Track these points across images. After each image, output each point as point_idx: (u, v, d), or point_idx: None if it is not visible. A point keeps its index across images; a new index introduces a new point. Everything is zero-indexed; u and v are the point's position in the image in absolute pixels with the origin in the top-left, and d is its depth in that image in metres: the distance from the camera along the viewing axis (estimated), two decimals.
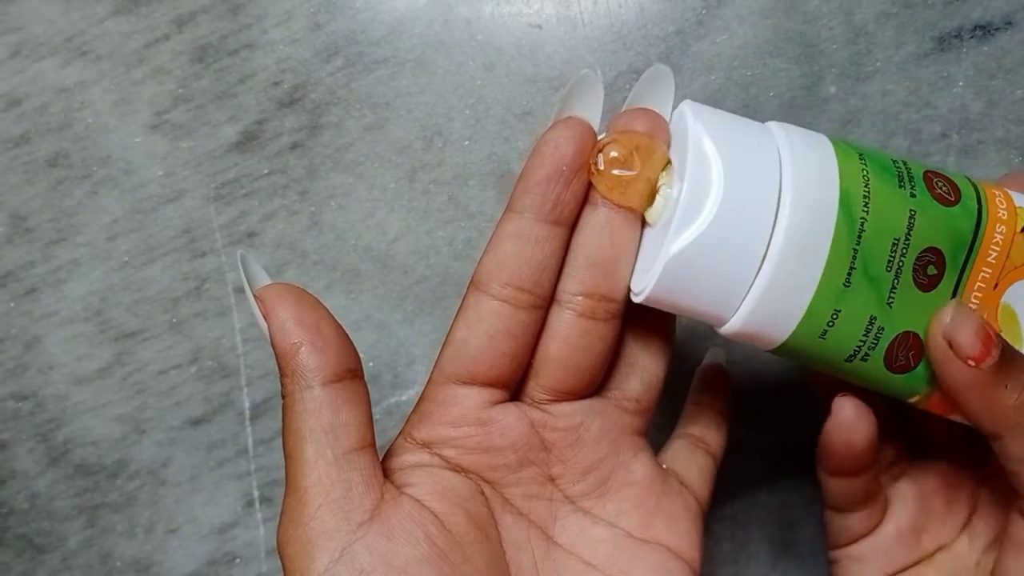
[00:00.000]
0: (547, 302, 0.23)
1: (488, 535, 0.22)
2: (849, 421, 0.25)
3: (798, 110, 0.38)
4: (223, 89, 0.38)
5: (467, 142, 0.38)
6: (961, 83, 0.37)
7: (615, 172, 0.22)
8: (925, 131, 0.37)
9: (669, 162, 0.22)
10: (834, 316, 0.22)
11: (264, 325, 0.22)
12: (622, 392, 0.24)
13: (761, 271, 0.21)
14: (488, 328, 0.22)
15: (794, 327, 0.22)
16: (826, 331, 0.22)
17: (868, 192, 0.22)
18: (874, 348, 0.22)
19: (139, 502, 0.38)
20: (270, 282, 0.22)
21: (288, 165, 0.38)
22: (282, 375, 0.22)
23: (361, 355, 0.23)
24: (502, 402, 0.24)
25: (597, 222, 0.22)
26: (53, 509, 0.39)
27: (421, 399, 0.24)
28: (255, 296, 0.22)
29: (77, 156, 0.38)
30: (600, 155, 0.22)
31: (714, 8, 0.38)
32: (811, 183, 0.21)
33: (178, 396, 0.38)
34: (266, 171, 0.38)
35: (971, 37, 0.37)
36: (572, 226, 0.22)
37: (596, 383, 0.24)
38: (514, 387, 0.24)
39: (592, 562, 0.24)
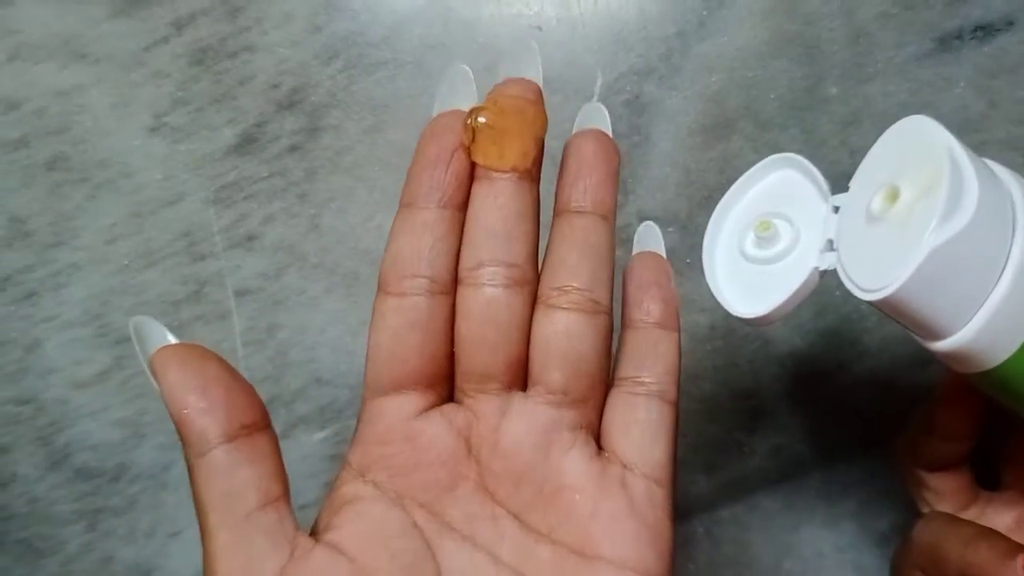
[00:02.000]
0: (449, 287, 0.22)
1: (418, 571, 0.21)
2: None
3: (799, 111, 0.38)
4: (222, 92, 0.38)
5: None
6: (962, 84, 0.37)
7: (488, 139, 0.21)
8: None
9: (545, 124, 0.22)
10: None
11: (158, 391, 0.21)
12: (545, 386, 0.22)
13: (999, 282, 0.21)
14: (391, 325, 0.22)
15: (1019, 345, 0.21)
16: None
17: None
18: None
19: (140, 506, 0.38)
20: (167, 343, 0.21)
21: (287, 168, 0.38)
22: (182, 443, 0.21)
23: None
24: (428, 408, 0.23)
25: (484, 192, 0.22)
26: (53, 513, 0.38)
27: (358, 419, 0.23)
28: (148, 362, 0.21)
29: (76, 159, 0.38)
30: (470, 126, 0.21)
31: (715, 9, 0.37)
32: None
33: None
34: (265, 174, 0.38)
35: (972, 38, 0.37)
36: (463, 206, 0.22)
37: (515, 364, 0.22)
38: (439, 384, 0.23)
39: None
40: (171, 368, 0.21)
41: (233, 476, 0.20)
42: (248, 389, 0.21)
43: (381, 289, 0.22)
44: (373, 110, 0.38)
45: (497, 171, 0.22)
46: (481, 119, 0.21)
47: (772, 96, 0.38)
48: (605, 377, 0.23)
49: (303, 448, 0.38)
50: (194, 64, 0.38)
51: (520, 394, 0.23)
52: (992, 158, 0.37)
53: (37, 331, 0.38)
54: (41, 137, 0.38)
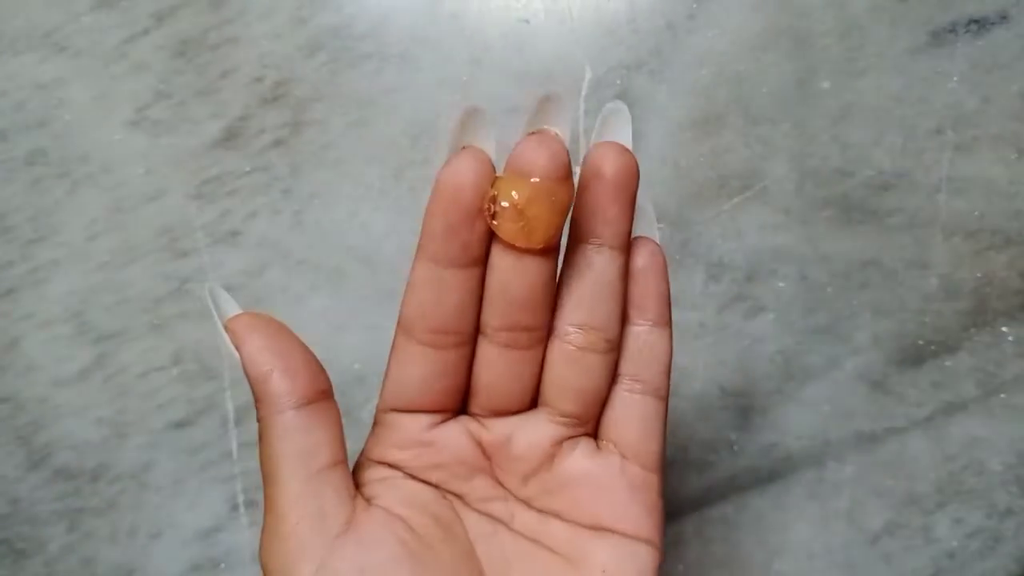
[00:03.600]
0: (472, 337, 0.23)
1: (455, 532, 0.24)
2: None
3: (790, 105, 0.37)
4: (204, 85, 0.37)
5: None
6: (956, 78, 0.37)
7: (514, 219, 0.21)
8: (919, 127, 0.37)
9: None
10: None
11: (236, 355, 0.23)
12: (557, 411, 0.24)
13: None
14: (420, 371, 0.23)
15: None
16: None
17: None
18: None
19: (121, 506, 0.38)
20: (239, 312, 0.23)
21: (271, 163, 0.37)
22: (256, 401, 0.23)
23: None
24: (443, 421, 0.24)
25: (507, 264, 0.22)
26: (34, 513, 0.38)
27: (374, 421, 0.25)
28: (225, 327, 0.23)
29: (55, 154, 0.37)
30: (496, 204, 0.21)
31: (705, 2, 0.37)
32: None
33: (160, 399, 0.37)
34: (248, 169, 0.37)
35: (966, 31, 0.37)
36: (485, 259, 0.22)
37: (528, 400, 0.25)
38: (456, 407, 0.25)
39: (557, 550, 0.24)
40: (257, 332, 0.23)
41: (309, 434, 0.22)
42: (318, 361, 0.23)
43: (406, 332, 0.23)
44: (358, 104, 0.37)
45: (524, 250, 0.22)
46: (505, 203, 0.21)
47: (763, 90, 0.37)
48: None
49: None
50: (176, 57, 0.37)
51: (532, 413, 0.25)
52: (986, 154, 0.37)
53: (16, 328, 0.37)
54: (20, 131, 0.37)
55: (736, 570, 0.38)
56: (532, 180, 0.21)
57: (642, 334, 0.24)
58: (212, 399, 0.37)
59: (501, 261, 0.22)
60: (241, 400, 0.37)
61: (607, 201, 0.22)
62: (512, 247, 0.22)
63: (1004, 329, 0.37)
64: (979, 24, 0.37)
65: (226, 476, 0.38)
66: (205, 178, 0.37)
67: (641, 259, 0.24)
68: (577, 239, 0.23)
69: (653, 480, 0.25)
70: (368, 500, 0.23)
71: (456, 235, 0.22)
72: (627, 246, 0.23)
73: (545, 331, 0.24)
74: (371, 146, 0.37)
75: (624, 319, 0.24)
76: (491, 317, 0.23)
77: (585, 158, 0.22)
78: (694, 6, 0.37)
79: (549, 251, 0.22)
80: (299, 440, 0.22)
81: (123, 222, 0.37)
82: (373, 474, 0.24)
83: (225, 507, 0.38)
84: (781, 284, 0.38)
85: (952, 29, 0.37)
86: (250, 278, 0.37)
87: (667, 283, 0.24)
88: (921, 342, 0.38)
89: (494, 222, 0.21)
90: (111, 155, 0.37)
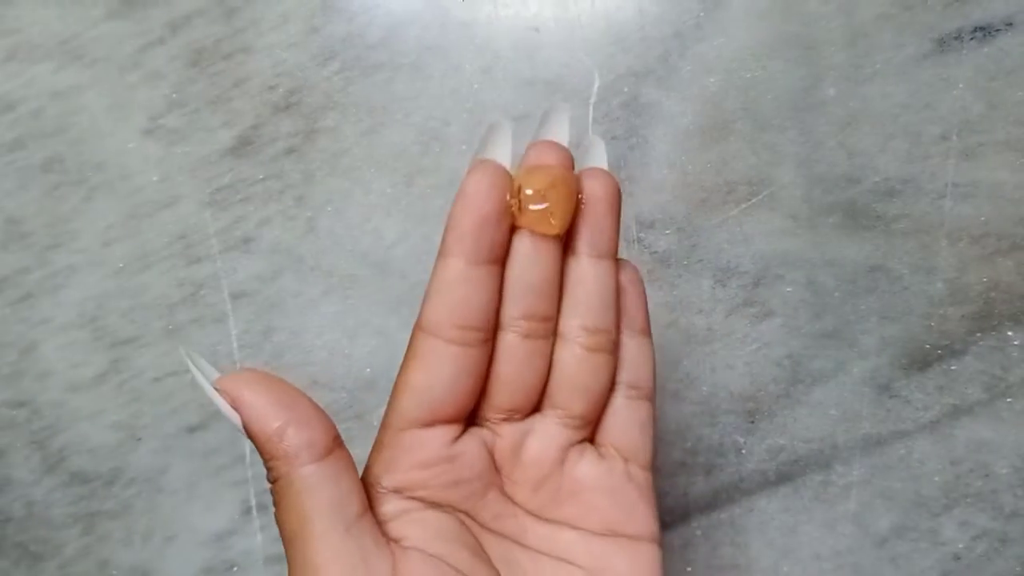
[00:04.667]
0: (494, 332, 0.24)
1: (483, 559, 0.24)
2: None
3: (797, 112, 0.37)
4: (218, 93, 0.37)
5: (464, 146, 0.37)
6: (961, 85, 0.37)
7: (536, 207, 0.23)
8: (925, 133, 0.37)
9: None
10: None
11: (233, 415, 0.22)
12: (565, 411, 0.25)
13: None
14: (451, 372, 0.23)
15: None
16: None
17: None
18: None
19: (136, 510, 0.38)
20: (218, 374, 0.23)
21: (284, 170, 0.38)
22: (268, 459, 0.22)
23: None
24: (462, 433, 0.24)
25: (528, 252, 0.23)
26: (50, 517, 0.38)
27: (381, 446, 0.24)
28: (215, 389, 0.22)
29: (72, 161, 0.38)
30: (520, 195, 0.23)
31: (712, 10, 0.37)
32: None
33: (174, 403, 0.38)
34: (262, 176, 0.38)
35: (971, 38, 0.37)
36: (505, 257, 0.24)
37: (537, 398, 0.25)
38: (471, 412, 0.25)
39: (573, 561, 0.25)
40: (250, 390, 0.22)
41: (338, 485, 0.22)
42: (320, 407, 0.23)
43: (432, 333, 0.23)
44: (370, 112, 0.37)
45: (545, 236, 0.23)
46: (529, 191, 0.23)
47: (770, 97, 0.37)
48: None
49: None
50: (190, 66, 0.38)
51: (539, 416, 0.25)
52: (992, 160, 0.37)
53: (33, 333, 0.38)
54: (37, 139, 0.38)
55: (744, 573, 0.38)
56: (548, 167, 0.23)
57: (633, 343, 0.26)
58: None
59: (521, 253, 0.23)
60: None
61: (603, 216, 0.24)
62: (535, 233, 0.23)
63: (1010, 333, 0.38)
64: (985, 31, 0.37)
65: (240, 480, 0.38)
66: (219, 185, 0.38)
67: (624, 276, 0.26)
68: (576, 251, 0.24)
69: (650, 479, 0.26)
70: (398, 541, 0.23)
71: (485, 232, 0.22)
72: (617, 252, 0.25)
73: (554, 324, 0.24)
74: (383, 154, 0.37)
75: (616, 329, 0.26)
76: (512, 308, 0.24)
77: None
78: (702, 15, 0.37)
79: (560, 241, 0.24)
80: (329, 492, 0.21)
81: (138, 229, 0.38)
82: (390, 508, 0.24)
83: (239, 510, 0.38)
84: (788, 289, 0.38)
85: (958, 36, 0.37)
86: (263, 284, 0.38)
87: (645, 296, 0.26)
88: (928, 346, 0.38)
89: (520, 212, 0.23)
90: (126, 162, 0.38)
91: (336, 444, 0.22)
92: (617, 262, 0.25)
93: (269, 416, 0.22)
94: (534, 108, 0.37)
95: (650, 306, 0.25)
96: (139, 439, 0.38)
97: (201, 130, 0.38)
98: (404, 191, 0.38)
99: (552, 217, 0.23)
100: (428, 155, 0.37)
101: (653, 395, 0.26)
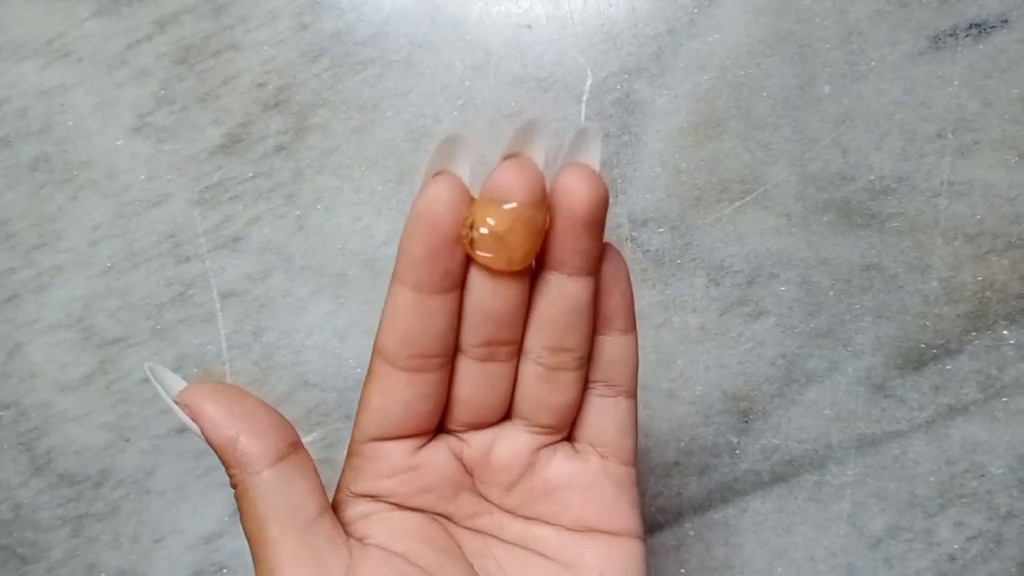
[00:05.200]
0: (452, 356, 0.23)
1: (452, 554, 0.24)
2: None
3: (791, 110, 0.37)
4: (206, 91, 0.37)
5: None
6: (956, 82, 0.37)
7: (485, 254, 0.21)
8: (920, 131, 0.37)
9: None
10: None
11: (194, 426, 0.23)
12: (534, 422, 0.25)
13: None
14: (406, 396, 0.23)
15: None
16: None
17: None
18: None
19: (124, 512, 0.38)
20: (184, 385, 0.24)
21: (273, 168, 0.37)
22: (227, 467, 0.22)
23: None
24: (428, 441, 0.24)
25: (485, 284, 0.22)
26: (37, 519, 0.38)
27: (350, 453, 0.24)
28: (175, 402, 0.23)
29: (58, 160, 0.37)
30: (473, 231, 0.21)
31: (706, 7, 0.37)
32: None
33: (163, 404, 0.37)
34: (251, 174, 0.37)
35: (966, 36, 0.37)
36: (463, 281, 0.22)
37: (503, 411, 0.25)
38: (436, 426, 0.25)
39: (549, 556, 0.25)
40: (208, 402, 0.23)
41: (292, 489, 0.22)
42: (279, 414, 0.23)
43: (387, 360, 0.23)
44: (360, 109, 0.37)
45: (502, 273, 0.22)
46: (483, 230, 0.20)
47: (764, 95, 0.37)
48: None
49: None
50: (178, 63, 0.37)
51: (507, 422, 0.25)
52: (987, 158, 0.37)
53: (19, 334, 0.38)
54: (24, 137, 0.37)
55: (738, 573, 0.38)
56: (509, 206, 0.20)
57: (612, 343, 0.24)
58: None
59: (479, 283, 0.22)
60: None
61: (578, 235, 0.21)
62: (490, 270, 0.21)
63: (1005, 332, 0.37)
64: (979, 28, 0.37)
65: (228, 481, 0.38)
66: (207, 184, 0.37)
67: (607, 269, 0.23)
68: (548, 266, 0.22)
69: (632, 474, 0.26)
70: (361, 540, 0.23)
71: (437, 262, 0.21)
72: (597, 267, 0.23)
73: (519, 345, 0.24)
74: (373, 151, 0.37)
75: (593, 330, 0.24)
76: (470, 335, 0.23)
77: (556, 182, 0.21)
78: (695, 11, 0.37)
79: (526, 271, 0.22)
80: (283, 496, 0.22)
81: (126, 228, 0.37)
82: (357, 511, 0.24)
83: (227, 512, 0.38)
84: (782, 288, 0.38)
85: (953, 33, 0.37)
86: (252, 283, 0.37)
87: (631, 290, 0.24)
88: (922, 345, 0.38)
89: (472, 248, 0.21)
90: (114, 161, 0.37)
91: (292, 449, 0.23)
92: (599, 261, 0.23)
93: (224, 426, 0.22)
94: (525, 106, 0.37)
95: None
96: (127, 440, 0.38)
97: (189, 128, 0.37)
98: (395, 189, 0.37)
99: (510, 256, 0.21)
100: (419, 152, 0.37)
101: (634, 391, 0.25)
